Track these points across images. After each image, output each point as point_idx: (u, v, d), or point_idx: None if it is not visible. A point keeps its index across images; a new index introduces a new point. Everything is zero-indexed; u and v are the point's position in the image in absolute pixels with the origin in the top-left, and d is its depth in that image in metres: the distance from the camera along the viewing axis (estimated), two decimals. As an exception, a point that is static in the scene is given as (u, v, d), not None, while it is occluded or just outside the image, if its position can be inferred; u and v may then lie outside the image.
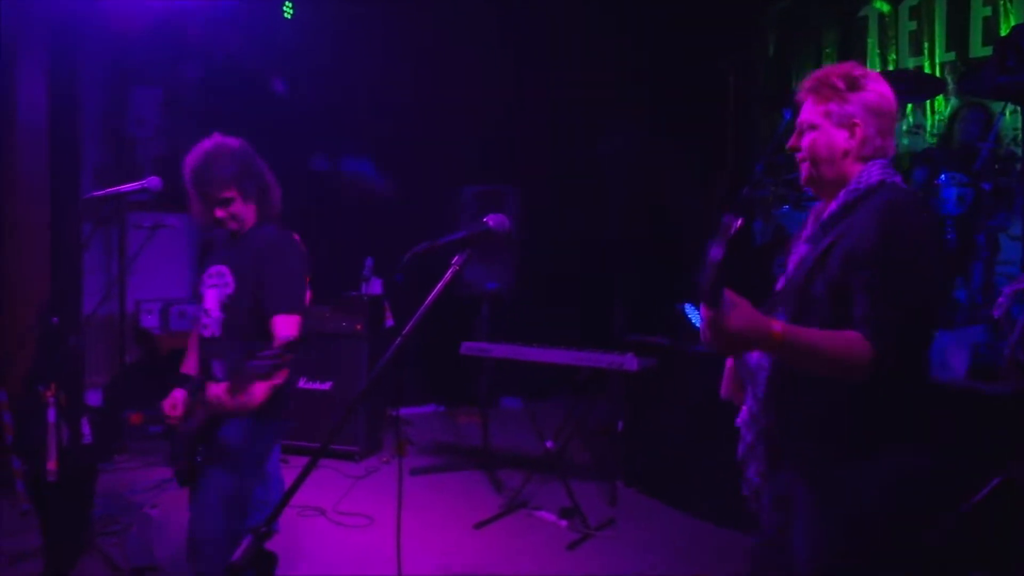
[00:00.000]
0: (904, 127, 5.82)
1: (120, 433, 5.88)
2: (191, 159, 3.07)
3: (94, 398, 6.11)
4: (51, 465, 3.72)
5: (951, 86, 5.81)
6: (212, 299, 3.12)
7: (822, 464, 2.07)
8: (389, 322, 6.17)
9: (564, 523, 4.76)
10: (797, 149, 2.23)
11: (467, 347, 5.27)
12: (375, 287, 6.19)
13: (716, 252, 1.80)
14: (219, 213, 3.07)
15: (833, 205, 2.16)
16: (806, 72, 6.78)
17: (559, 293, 7.09)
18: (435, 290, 2.15)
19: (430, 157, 7.19)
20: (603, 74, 7.35)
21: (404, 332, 2.11)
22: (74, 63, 6.07)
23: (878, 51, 6.39)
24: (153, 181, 3.47)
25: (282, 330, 2.95)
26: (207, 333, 3.11)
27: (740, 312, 1.85)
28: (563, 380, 5.31)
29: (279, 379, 2.91)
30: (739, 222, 1.81)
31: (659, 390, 5.10)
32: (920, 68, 6.00)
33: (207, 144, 3.09)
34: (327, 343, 5.83)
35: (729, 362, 2.37)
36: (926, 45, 6.04)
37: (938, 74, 5.88)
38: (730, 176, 6.01)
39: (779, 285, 2.25)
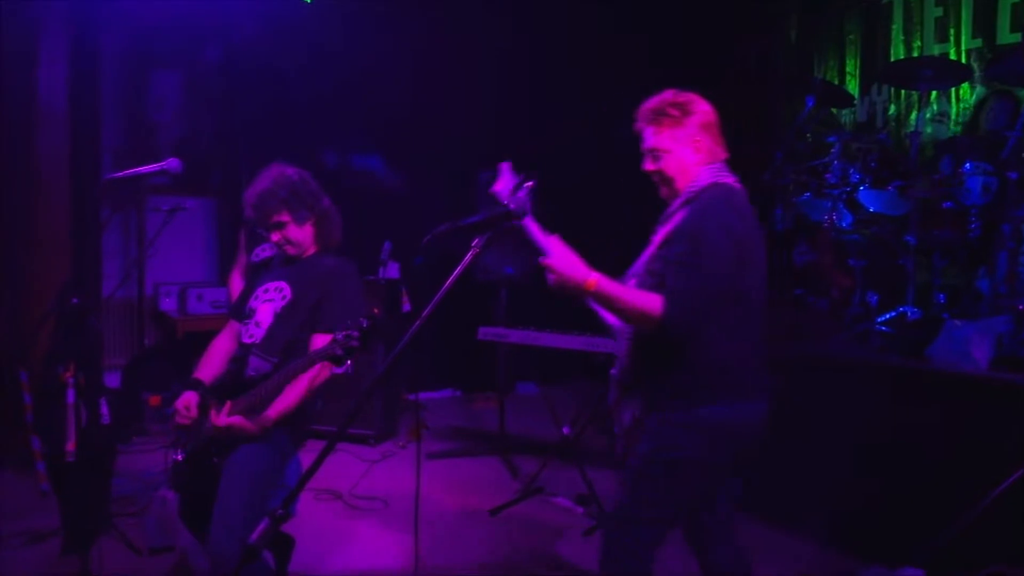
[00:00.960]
0: (928, 115, 5.75)
1: (139, 415, 5.91)
2: (252, 186, 3.17)
3: (113, 380, 6.14)
4: (70, 446, 3.75)
5: (977, 74, 5.72)
6: (266, 312, 3.14)
7: (654, 411, 2.53)
8: (406, 307, 6.16)
9: (580, 509, 4.74)
10: (655, 173, 2.62)
11: (484, 332, 5.27)
12: (392, 271, 6.18)
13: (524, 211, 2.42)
14: (275, 237, 3.17)
15: (674, 204, 2.59)
16: (829, 59, 6.79)
17: None
18: (455, 272, 2.20)
19: (447, 141, 7.16)
20: (622, 59, 7.29)
21: (423, 315, 2.15)
22: (94, 46, 6.08)
23: (902, 37, 6.30)
24: (173, 163, 3.43)
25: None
26: (248, 340, 3.13)
27: (565, 259, 2.41)
28: (579, 366, 5.27)
29: (320, 379, 3.00)
30: (531, 183, 2.41)
31: None
32: (946, 55, 5.91)
33: (265, 170, 3.18)
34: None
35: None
36: (952, 31, 5.95)
37: (964, 61, 5.80)
38: (750, 162, 5.95)
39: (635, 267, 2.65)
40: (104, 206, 6.07)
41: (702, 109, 2.62)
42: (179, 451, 3.11)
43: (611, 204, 7.23)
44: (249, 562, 2.46)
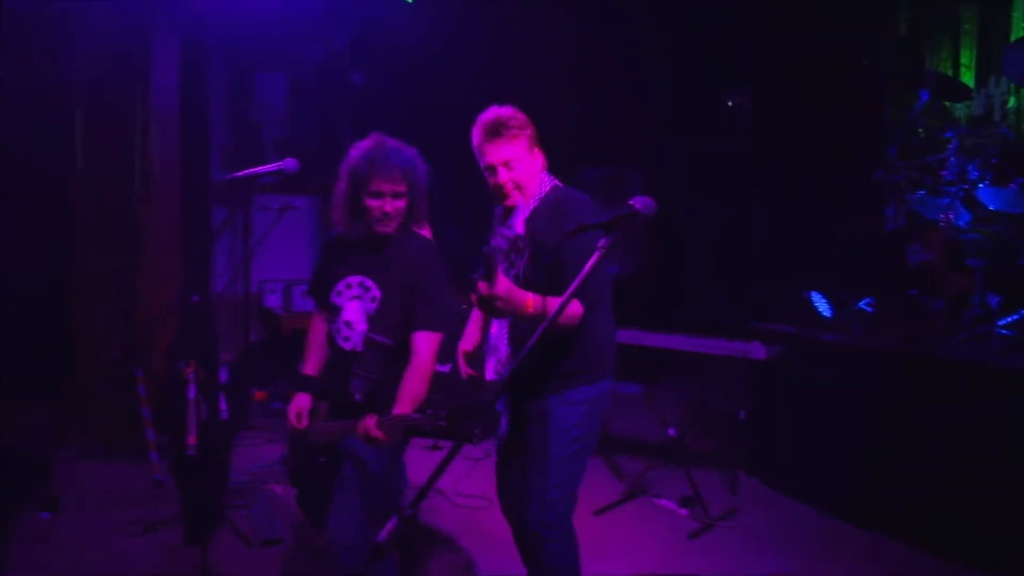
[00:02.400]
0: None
1: (245, 410, 6.05)
2: (359, 153, 3.01)
3: (221, 375, 6.15)
4: (191, 439, 3.84)
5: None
6: (355, 312, 3.06)
7: (544, 395, 2.90)
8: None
9: (685, 512, 4.72)
10: (508, 183, 2.88)
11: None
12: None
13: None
14: (380, 206, 2.97)
15: (533, 203, 2.90)
16: (942, 51, 6.55)
17: (683, 277, 6.94)
18: (581, 273, 2.19)
19: (547, 138, 7.07)
20: (727, 52, 7.14)
21: (551, 317, 2.18)
22: (203, 50, 6.26)
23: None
24: (290, 163, 3.48)
25: (424, 349, 2.94)
26: (347, 346, 3.06)
27: (504, 286, 2.57)
28: (682, 366, 5.22)
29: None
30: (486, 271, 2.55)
31: (784, 379, 4.99)
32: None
33: (371, 141, 3.03)
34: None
35: (464, 346, 3.26)
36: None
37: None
38: (861, 160, 5.80)
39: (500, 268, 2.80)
40: (216, 206, 6.18)
41: (531, 124, 2.95)
42: (288, 451, 3.21)
43: (718, 203, 7.10)
44: (377, 560, 2.49)
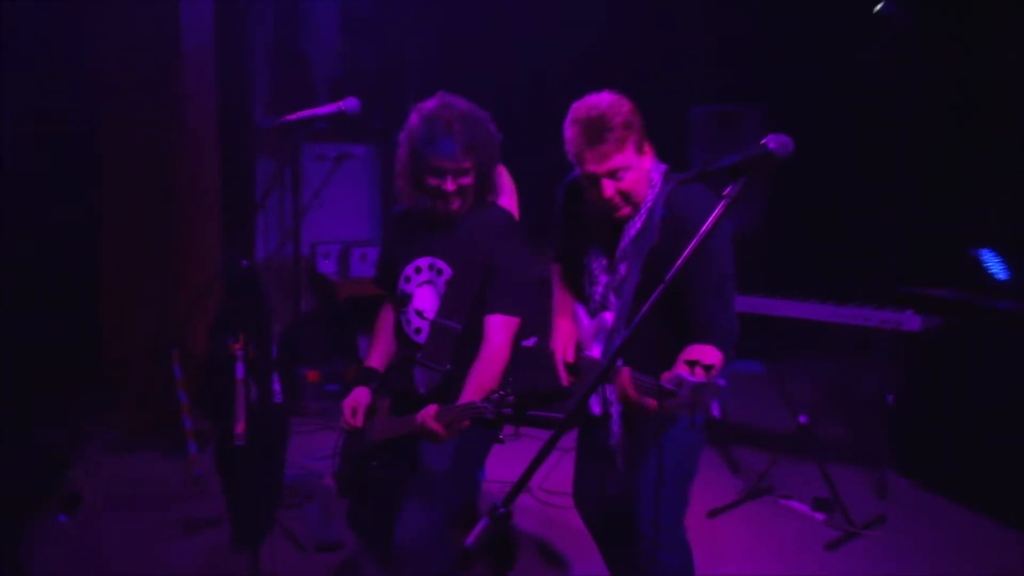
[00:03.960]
0: None
1: (296, 392, 6.06)
2: (419, 120, 3.00)
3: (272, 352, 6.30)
4: (239, 427, 3.80)
5: None
6: (427, 298, 3.10)
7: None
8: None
9: (820, 516, 4.64)
10: (616, 197, 2.75)
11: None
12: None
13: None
14: (438, 188, 2.99)
15: (642, 215, 2.80)
16: None
17: (814, 234, 6.83)
18: (702, 230, 2.15)
19: (651, 71, 6.79)
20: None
21: (666, 279, 2.16)
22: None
23: None
24: (351, 103, 3.39)
25: (497, 335, 2.98)
26: (420, 339, 3.10)
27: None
28: (814, 340, 5.10)
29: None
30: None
31: (944, 355, 4.89)
32: None
33: (434, 103, 3.01)
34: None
35: (564, 352, 3.06)
36: None
37: None
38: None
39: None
40: (259, 155, 6.16)
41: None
42: (340, 453, 3.22)
43: (861, 144, 6.76)
44: (466, 567, 2.44)
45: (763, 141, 2.20)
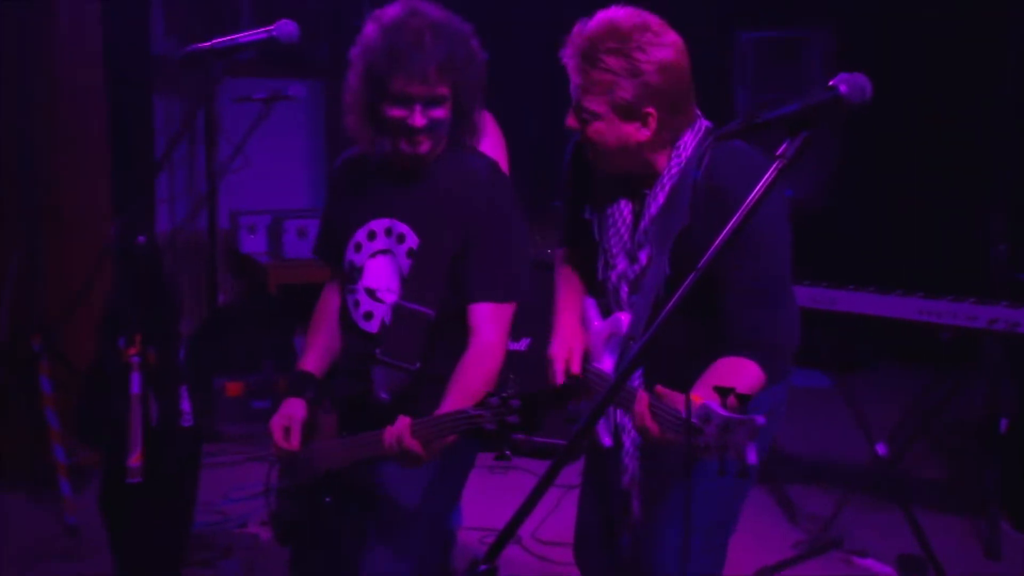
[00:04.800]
0: None
1: (211, 411, 6.01)
2: (377, 30, 2.82)
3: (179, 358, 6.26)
4: (134, 459, 3.64)
5: None
6: (383, 273, 2.98)
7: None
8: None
9: None
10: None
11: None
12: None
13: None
14: (401, 122, 2.82)
15: (668, 182, 2.75)
16: None
17: (896, 209, 6.93)
18: (749, 199, 2.09)
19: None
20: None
21: (699, 266, 2.10)
22: None
23: None
24: (286, 26, 3.19)
25: (486, 327, 2.88)
26: (371, 327, 2.98)
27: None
28: (898, 345, 4.91)
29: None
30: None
31: None
32: None
33: (399, 8, 2.84)
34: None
35: (570, 363, 2.99)
36: None
37: None
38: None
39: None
40: (159, 96, 6.09)
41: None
42: (277, 486, 3.17)
43: (957, 89, 6.92)
44: None
45: (832, 82, 2.11)
